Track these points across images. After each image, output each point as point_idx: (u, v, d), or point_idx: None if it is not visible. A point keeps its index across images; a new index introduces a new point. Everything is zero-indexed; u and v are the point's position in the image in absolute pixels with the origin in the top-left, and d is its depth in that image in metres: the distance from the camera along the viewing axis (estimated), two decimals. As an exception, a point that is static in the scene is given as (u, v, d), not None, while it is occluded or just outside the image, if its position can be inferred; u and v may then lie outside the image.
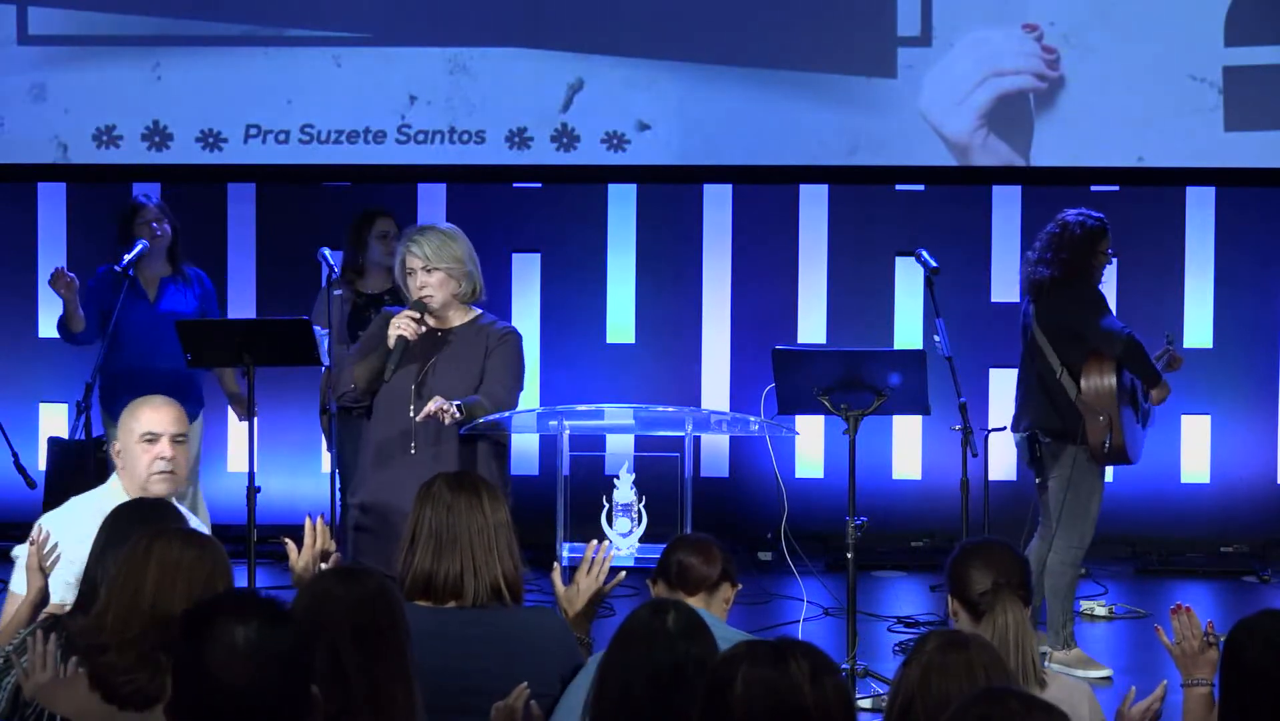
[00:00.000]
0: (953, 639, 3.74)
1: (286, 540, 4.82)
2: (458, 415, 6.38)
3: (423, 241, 6.59)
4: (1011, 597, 4.41)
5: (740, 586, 5.07)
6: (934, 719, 3.55)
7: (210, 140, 9.86)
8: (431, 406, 6.35)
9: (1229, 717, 3.99)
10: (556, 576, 4.96)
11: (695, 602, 4.87)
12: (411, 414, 6.48)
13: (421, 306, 6.58)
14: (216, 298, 8.87)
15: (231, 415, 9.13)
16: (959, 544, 4.66)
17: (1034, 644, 4.40)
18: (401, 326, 6.51)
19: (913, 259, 8.09)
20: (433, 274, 6.57)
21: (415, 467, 6.32)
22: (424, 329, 6.57)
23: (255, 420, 7.71)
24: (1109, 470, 8.10)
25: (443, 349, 6.60)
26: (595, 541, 4.94)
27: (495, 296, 10.23)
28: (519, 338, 6.72)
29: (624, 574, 5.01)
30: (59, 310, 8.52)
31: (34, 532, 5.03)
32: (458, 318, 6.66)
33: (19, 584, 5.15)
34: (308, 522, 4.82)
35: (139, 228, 8.51)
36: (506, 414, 6.61)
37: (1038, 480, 7.95)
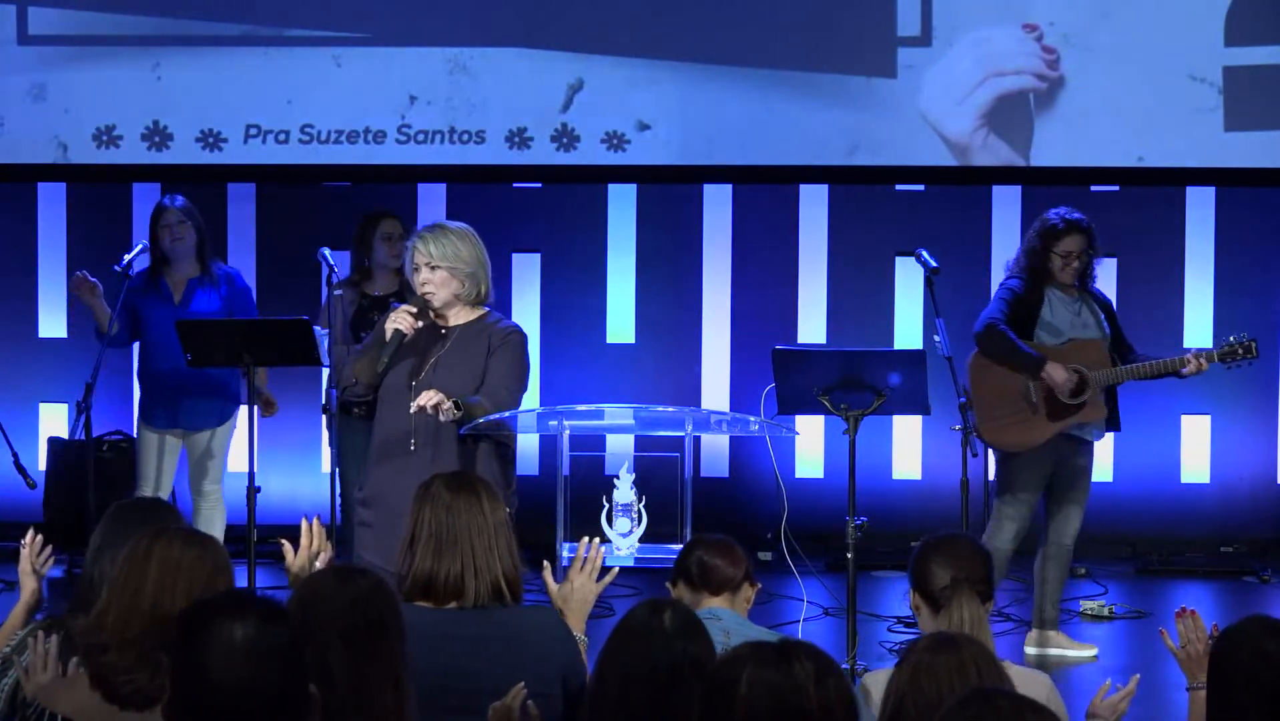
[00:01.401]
0: (943, 639, 3.74)
1: (283, 541, 4.83)
2: (455, 412, 6.36)
3: (430, 239, 6.58)
4: (969, 593, 4.43)
5: (760, 586, 5.08)
6: (926, 720, 3.54)
7: (210, 140, 9.86)
8: (424, 399, 6.32)
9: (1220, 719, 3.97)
10: (548, 575, 4.95)
11: (719, 603, 4.88)
12: (412, 411, 6.47)
13: (423, 303, 6.57)
14: (253, 293, 8.86)
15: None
16: (923, 538, 4.67)
17: (991, 639, 4.41)
18: (398, 321, 6.49)
19: (913, 259, 8.10)
20: (436, 271, 6.55)
21: (415, 465, 6.31)
22: (421, 324, 6.55)
23: (255, 420, 7.72)
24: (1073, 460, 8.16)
25: (445, 347, 6.58)
26: (586, 539, 4.94)
27: (495, 296, 10.24)
28: (523, 337, 6.69)
29: (616, 570, 5.01)
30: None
31: (27, 536, 5.03)
32: (462, 316, 6.64)
33: None
34: (304, 524, 4.82)
35: (160, 230, 8.55)
36: (508, 414, 6.60)
37: None
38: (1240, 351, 7.92)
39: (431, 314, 6.62)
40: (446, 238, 6.60)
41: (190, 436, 8.60)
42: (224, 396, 8.62)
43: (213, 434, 8.61)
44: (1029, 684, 4.34)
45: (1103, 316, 8.08)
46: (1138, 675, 4.66)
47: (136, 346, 8.84)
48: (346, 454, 8.28)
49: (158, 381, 8.52)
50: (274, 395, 8.65)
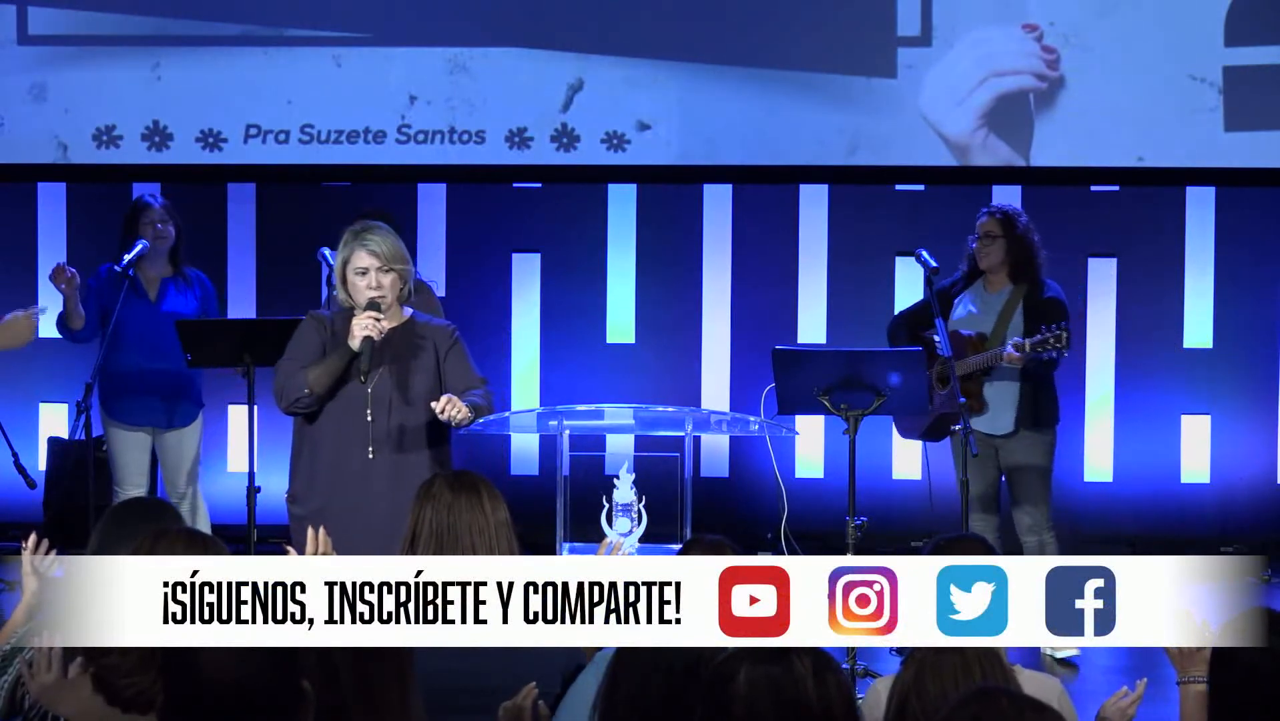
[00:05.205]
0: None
1: (287, 545, 4.84)
2: (470, 415, 6.32)
3: (378, 241, 6.43)
4: None
5: None
6: (930, 718, 3.55)
7: (210, 140, 9.86)
8: (448, 407, 6.24)
9: (1221, 716, 3.98)
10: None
11: None
12: (369, 418, 6.39)
13: (376, 306, 6.45)
14: (217, 299, 8.87)
15: (231, 414, 9.14)
16: (934, 538, 4.67)
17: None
18: (368, 327, 6.36)
19: (913, 259, 8.10)
20: (388, 274, 6.44)
21: (375, 473, 6.27)
22: (383, 328, 6.43)
23: (255, 420, 7.71)
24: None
25: (393, 349, 6.49)
26: (608, 541, 4.95)
27: (495, 296, 10.26)
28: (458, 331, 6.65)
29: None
30: (59, 308, 8.52)
31: (29, 539, 5.04)
32: (394, 317, 6.54)
33: None
34: (310, 531, 4.83)
35: (143, 228, 8.53)
36: (505, 414, 6.58)
37: None
38: (1050, 341, 7.75)
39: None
40: (390, 239, 6.47)
41: (159, 436, 8.58)
42: (188, 398, 8.59)
43: (180, 435, 8.58)
44: (1040, 689, 4.34)
45: (1021, 313, 7.98)
46: (1145, 679, 4.66)
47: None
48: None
49: (125, 379, 8.48)
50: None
